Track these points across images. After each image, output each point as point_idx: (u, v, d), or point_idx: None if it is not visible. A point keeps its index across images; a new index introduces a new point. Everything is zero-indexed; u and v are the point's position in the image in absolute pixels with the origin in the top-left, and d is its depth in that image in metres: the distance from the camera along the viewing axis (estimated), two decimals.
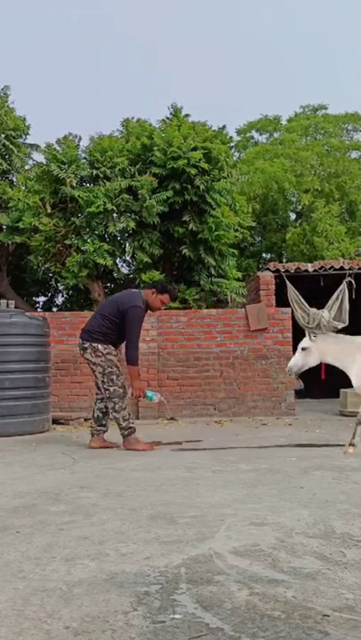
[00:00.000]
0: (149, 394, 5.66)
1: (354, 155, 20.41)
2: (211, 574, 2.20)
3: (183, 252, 10.15)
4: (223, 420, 8.38)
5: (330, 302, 9.53)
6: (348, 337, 5.90)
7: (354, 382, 5.67)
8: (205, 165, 9.89)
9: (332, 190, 17.48)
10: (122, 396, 5.52)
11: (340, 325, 9.50)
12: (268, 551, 2.46)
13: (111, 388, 5.50)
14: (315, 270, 9.67)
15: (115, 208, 9.89)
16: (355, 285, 9.65)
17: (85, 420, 8.32)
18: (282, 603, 1.93)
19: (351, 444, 5.39)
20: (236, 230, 11.16)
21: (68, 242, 9.91)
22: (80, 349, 5.66)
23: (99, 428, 5.74)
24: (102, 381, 5.53)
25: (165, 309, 9.48)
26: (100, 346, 5.53)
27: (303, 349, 5.65)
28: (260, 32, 68.69)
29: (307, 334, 5.72)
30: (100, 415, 5.72)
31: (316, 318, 9.40)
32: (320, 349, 5.64)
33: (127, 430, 5.54)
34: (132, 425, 5.54)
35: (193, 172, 9.76)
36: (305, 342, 5.67)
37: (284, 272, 9.51)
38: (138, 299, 5.60)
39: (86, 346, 5.57)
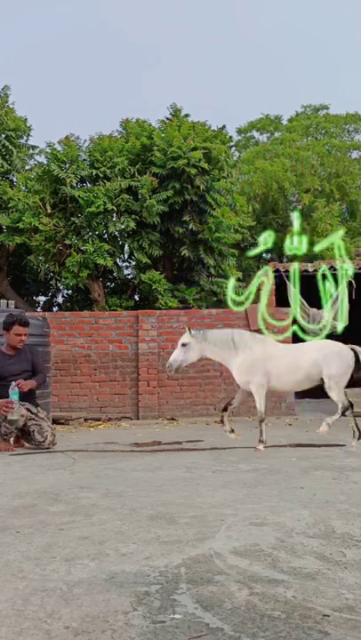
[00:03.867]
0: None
1: (355, 155, 20.42)
2: (211, 574, 2.20)
3: (183, 253, 10.16)
4: None
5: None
6: (229, 330, 5.85)
7: (236, 378, 5.66)
8: (205, 165, 9.89)
9: (332, 190, 17.48)
10: None
11: (340, 325, 9.49)
12: (268, 551, 2.46)
13: None
14: (315, 270, 9.66)
15: (115, 208, 9.89)
16: (355, 285, 9.65)
17: (85, 419, 8.33)
18: (282, 603, 1.93)
19: (261, 441, 5.47)
20: (236, 231, 11.15)
21: (68, 242, 9.91)
22: None
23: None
24: None
25: (165, 309, 9.49)
26: None
27: (183, 345, 5.61)
28: (261, 32, 68.70)
29: (187, 330, 5.68)
30: None
31: (317, 318, 9.40)
32: (201, 345, 5.61)
33: None
34: None
35: (193, 171, 9.76)
36: (185, 338, 5.63)
37: (284, 272, 9.51)
38: None
39: None
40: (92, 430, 7.54)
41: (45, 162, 10.56)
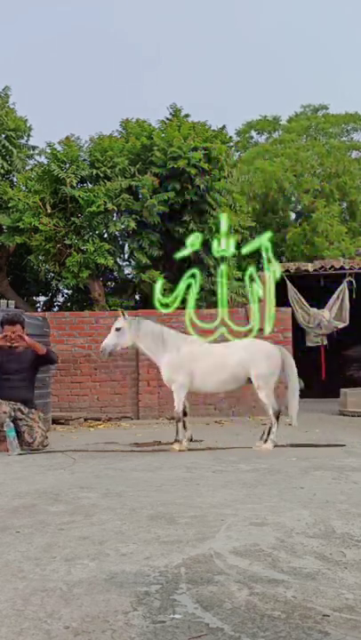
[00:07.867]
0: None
1: (354, 155, 20.39)
2: (211, 574, 2.20)
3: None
4: (223, 420, 8.39)
5: (330, 302, 9.54)
6: (161, 327, 5.82)
7: (163, 374, 5.68)
8: (205, 165, 9.89)
9: (332, 191, 17.48)
10: None
11: (341, 325, 9.51)
12: (268, 551, 2.46)
13: None
14: (315, 270, 9.68)
15: (115, 208, 9.89)
16: (355, 285, 9.66)
17: (85, 419, 8.33)
18: (282, 603, 1.93)
19: (176, 440, 5.49)
20: (236, 231, 11.15)
21: (68, 242, 9.91)
22: None
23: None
24: None
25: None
26: None
27: (117, 329, 5.62)
28: (261, 32, 68.73)
29: (121, 314, 5.69)
30: None
31: (317, 318, 9.42)
32: (133, 333, 5.62)
33: None
34: None
35: (193, 172, 9.76)
36: (119, 322, 5.65)
37: (284, 272, 9.51)
38: None
39: None
40: (92, 430, 7.54)
41: (45, 162, 10.55)
